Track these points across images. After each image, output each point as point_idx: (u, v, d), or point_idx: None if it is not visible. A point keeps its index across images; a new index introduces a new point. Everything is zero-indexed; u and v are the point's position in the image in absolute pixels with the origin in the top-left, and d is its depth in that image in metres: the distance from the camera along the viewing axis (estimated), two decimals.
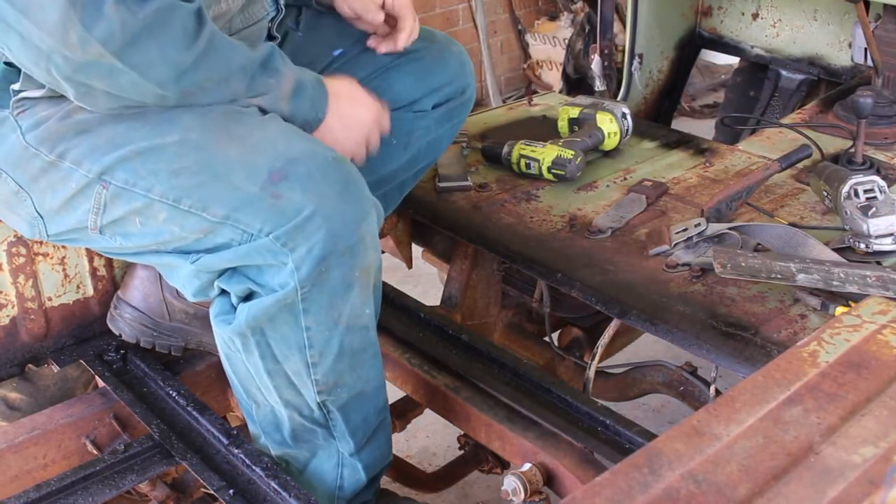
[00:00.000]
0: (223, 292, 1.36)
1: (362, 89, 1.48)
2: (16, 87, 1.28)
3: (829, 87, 2.62)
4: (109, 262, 1.70)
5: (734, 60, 3.08)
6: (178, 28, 1.19)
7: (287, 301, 1.28)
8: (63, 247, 1.64)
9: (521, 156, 1.96)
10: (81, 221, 1.32)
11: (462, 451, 1.84)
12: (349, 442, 1.42)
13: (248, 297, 1.33)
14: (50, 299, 1.66)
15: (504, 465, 1.76)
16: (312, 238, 1.24)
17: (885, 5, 2.24)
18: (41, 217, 1.35)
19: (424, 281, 3.02)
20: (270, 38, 1.53)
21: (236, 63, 1.28)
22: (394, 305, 1.81)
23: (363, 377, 1.40)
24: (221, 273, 1.33)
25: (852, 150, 1.87)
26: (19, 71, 1.28)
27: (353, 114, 1.44)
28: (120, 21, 1.13)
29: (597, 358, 1.64)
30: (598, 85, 2.97)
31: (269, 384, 1.37)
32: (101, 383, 1.63)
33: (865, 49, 2.24)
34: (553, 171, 1.92)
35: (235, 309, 1.34)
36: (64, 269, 1.66)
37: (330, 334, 1.32)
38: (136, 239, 1.32)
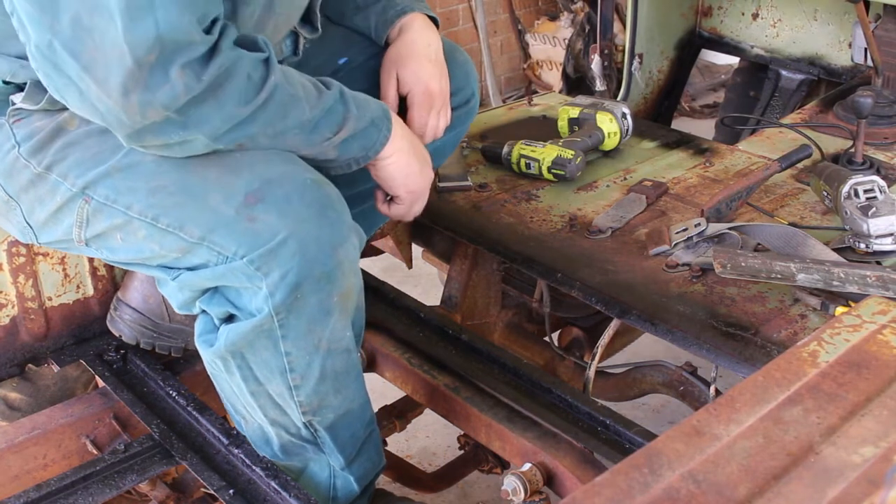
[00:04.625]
0: (205, 311, 1.36)
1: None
2: (16, 98, 1.28)
3: (829, 87, 2.62)
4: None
5: (734, 60, 3.08)
6: (242, 81, 1.16)
7: (264, 327, 1.26)
8: None
9: (521, 156, 1.96)
10: (67, 234, 1.32)
11: (462, 451, 1.84)
12: (339, 457, 1.42)
13: (229, 318, 1.32)
14: (50, 299, 1.66)
15: (504, 465, 1.76)
16: (286, 264, 1.21)
17: (885, 5, 2.24)
18: (30, 227, 1.35)
19: (424, 281, 3.02)
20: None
21: (294, 119, 1.24)
22: (394, 305, 1.81)
23: (348, 398, 1.39)
24: (204, 292, 1.32)
25: (852, 150, 1.87)
26: (21, 86, 1.27)
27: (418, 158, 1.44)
28: (184, 85, 1.11)
29: (597, 358, 1.64)
30: (598, 85, 2.97)
31: (254, 404, 1.37)
32: (101, 383, 1.63)
33: (865, 49, 2.24)
34: (553, 171, 1.92)
35: (217, 328, 1.33)
36: (64, 269, 1.66)
37: (311, 359, 1.31)
38: (120, 253, 1.32)
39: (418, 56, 1.54)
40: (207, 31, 1.13)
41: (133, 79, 1.09)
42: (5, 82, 1.28)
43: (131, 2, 1.06)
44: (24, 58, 1.21)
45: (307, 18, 1.50)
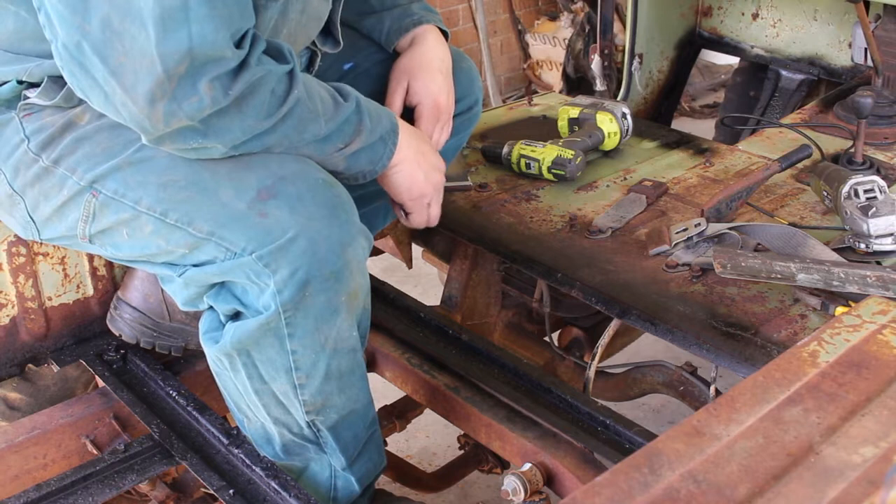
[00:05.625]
0: (212, 308, 1.36)
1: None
2: (30, 93, 1.28)
3: (829, 87, 2.62)
4: (110, 262, 1.70)
5: (734, 60, 3.08)
6: (266, 95, 1.17)
7: (271, 325, 1.26)
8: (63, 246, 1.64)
9: (521, 156, 1.96)
10: (71, 229, 1.32)
11: (462, 451, 1.84)
12: (340, 458, 1.42)
13: (235, 315, 1.32)
14: (50, 299, 1.66)
15: (504, 465, 1.76)
16: (296, 261, 1.22)
17: (885, 5, 2.24)
18: (33, 222, 1.35)
19: (424, 281, 3.02)
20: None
21: (310, 133, 1.26)
22: (394, 305, 1.81)
23: (352, 398, 1.39)
24: (210, 288, 1.33)
25: (852, 150, 1.87)
26: (35, 85, 1.28)
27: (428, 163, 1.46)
28: (211, 99, 1.12)
29: (597, 358, 1.64)
30: (598, 85, 2.97)
31: (258, 402, 1.37)
32: (101, 383, 1.63)
33: (865, 49, 2.24)
34: (553, 171, 1.92)
35: (223, 325, 1.34)
36: (64, 269, 1.66)
37: (316, 357, 1.31)
38: (125, 250, 1.32)
39: (431, 69, 1.55)
40: (238, 45, 1.13)
41: (161, 89, 1.09)
42: (19, 81, 1.28)
43: (166, 12, 1.06)
44: (42, 56, 1.22)
45: (328, 32, 1.50)
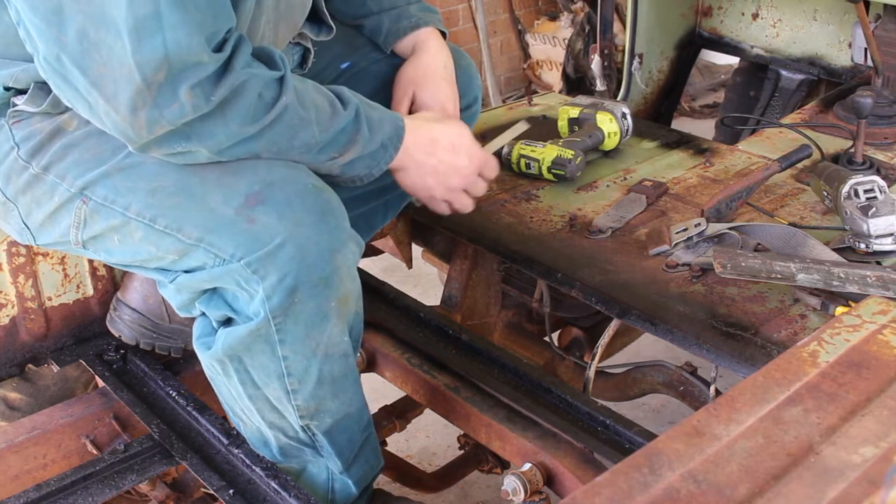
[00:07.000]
0: (204, 314, 1.35)
1: (467, 138, 1.47)
2: (18, 101, 1.28)
3: (829, 87, 2.63)
4: None
5: (734, 60, 3.08)
6: (251, 100, 1.17)
7: (261, 331, 1.26)
8: None
9: (521, 156, 1.96)
10: (64, 235, 1.32)
11: (462, 451, 1.84)
12: (337, 461, 1.42)
13: (227, 321, 1.32)
14: (50, 299, 1.66)
15: (504, 465, 1.76)
16: (284, 267, 1.21)
17: (885, 5, 2.24)
18: (28, 228, 1.35)
19: (424, 281, 3.02)
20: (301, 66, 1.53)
21: (301, 140, 1.25)
22: (394, 305, 1.81)
23: (345, 402, 1.39)
24: (203, 293, 1.32)
25: (852, 150, 1.87)
26: (23, 91, 1.27)
27: (447, 160, 1.44)
28: (192, 105, 1.12)
29: (597, 358, 1.64)
30: (598, 85, 2.97)
31: (252, 407, 1.37)
32: (101, 383, 1.63)
33: (865, 49, 2.24)
34: (553, 171, 1.92)
35: (216, 331, 1.33)
36: (64, 269, 1.66)
37: (308, 363, 1.31)
38: (117, 255, 1.32)
39: (436, 78, 1.55)
40: (219, 49, 1.13)
41: (142, 97, 1.09)
42: (6, 88, 1.28)
43: (139, 20, 1.05)
44: (28, 60, 1.22)
45: (321, 21, 1.49)
